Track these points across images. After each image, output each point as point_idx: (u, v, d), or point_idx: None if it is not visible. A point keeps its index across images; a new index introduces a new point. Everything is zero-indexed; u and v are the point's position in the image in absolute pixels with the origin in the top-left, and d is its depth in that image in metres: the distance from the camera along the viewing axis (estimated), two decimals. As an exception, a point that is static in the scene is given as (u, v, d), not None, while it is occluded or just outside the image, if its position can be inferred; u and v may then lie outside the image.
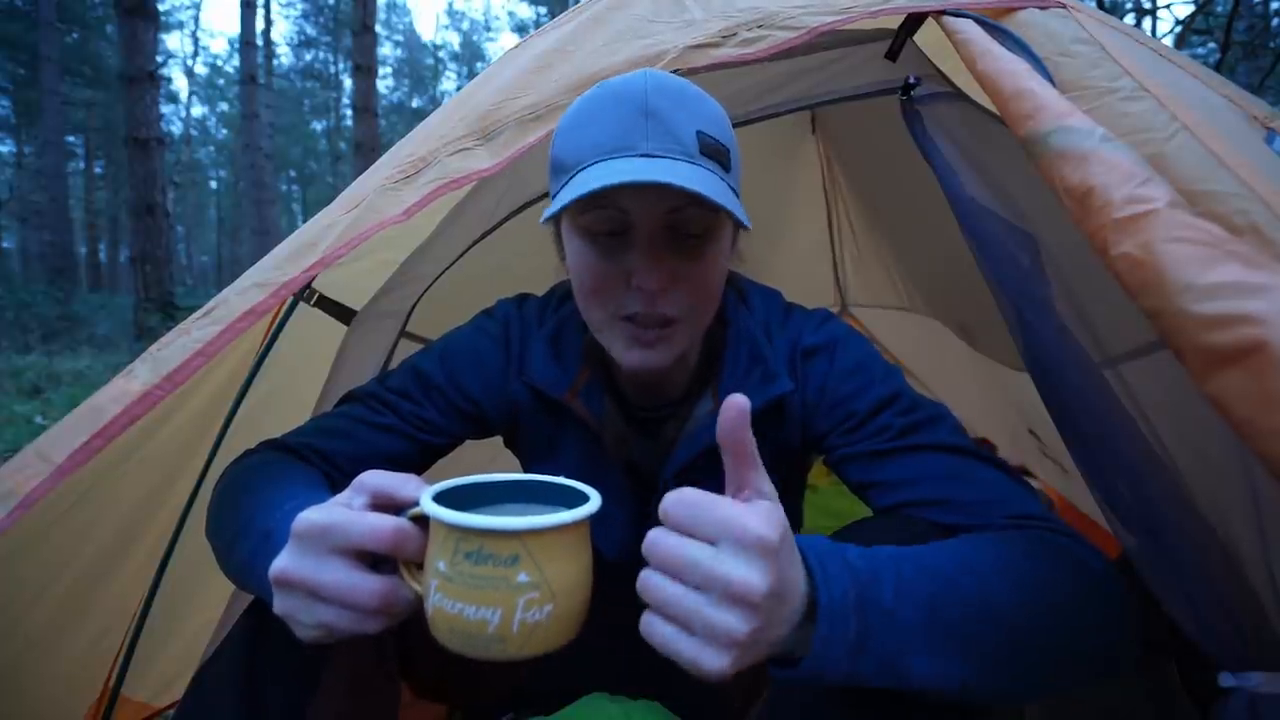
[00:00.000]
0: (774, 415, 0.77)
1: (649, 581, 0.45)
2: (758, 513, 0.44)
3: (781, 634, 0.45)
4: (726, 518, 0.43)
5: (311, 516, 0.50)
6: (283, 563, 0.50)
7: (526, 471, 0.89)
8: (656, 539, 0.45)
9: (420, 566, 0.50)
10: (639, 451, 0.82)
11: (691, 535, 0.44)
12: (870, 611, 0.47)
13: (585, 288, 0.69)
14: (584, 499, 0.50)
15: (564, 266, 0.74)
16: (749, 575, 0.42)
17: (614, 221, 0.66)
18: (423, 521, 0.50)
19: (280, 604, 0.51)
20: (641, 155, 0.61)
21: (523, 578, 0.45)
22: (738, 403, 0.46)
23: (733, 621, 0.42)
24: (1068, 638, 0.54)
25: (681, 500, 0.45)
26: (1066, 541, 0.58)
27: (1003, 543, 0.57)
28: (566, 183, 0.64)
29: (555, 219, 0.71)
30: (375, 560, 0.51)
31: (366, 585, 0.49)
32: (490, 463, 1.14)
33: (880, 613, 0.47)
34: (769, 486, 0.47)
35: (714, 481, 0.49)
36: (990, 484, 0.65)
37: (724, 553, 0.43)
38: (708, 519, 0.44)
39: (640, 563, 0.47)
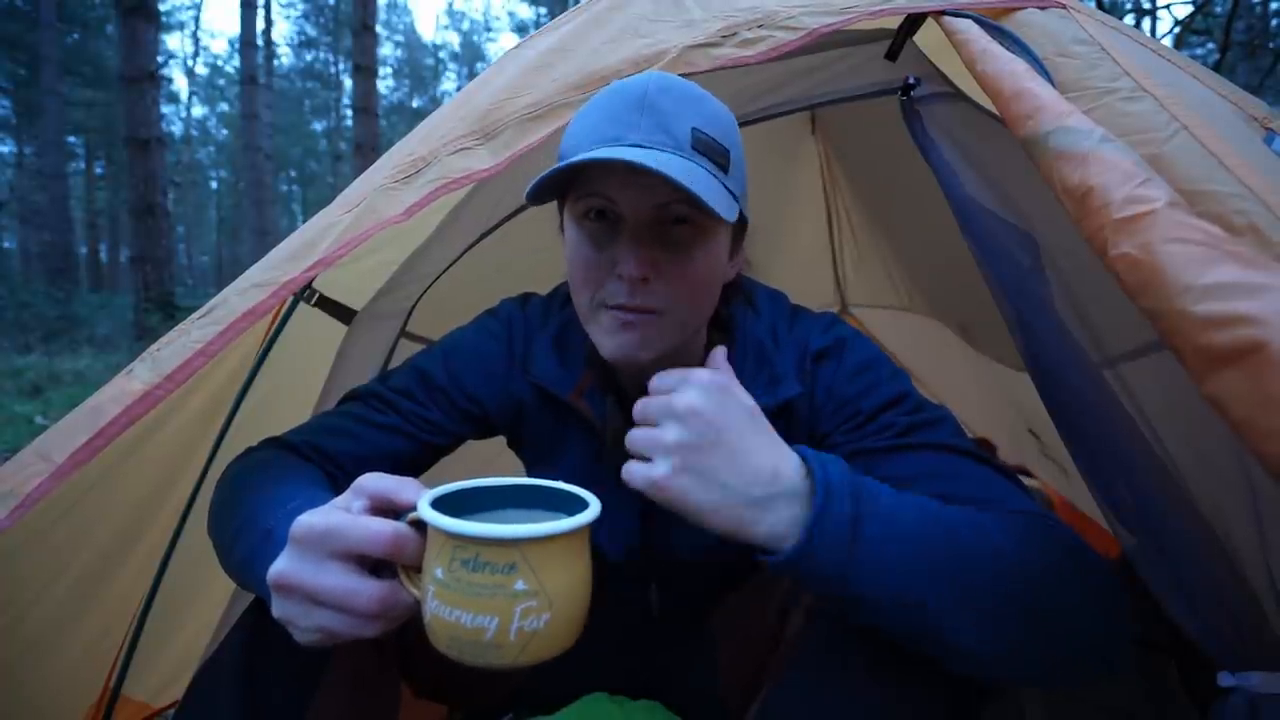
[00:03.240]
0: (781, 419, 0.77)
1: (631, 434, 0.57)
2: (709, 369, 0.58)
3: (750, 495, 0.52)
4: (686, 371, 0.57)
5: (310, 520, 0.50)
6: (281, 567, 0.50)
7: (529, 472, 0.89)
8: (641, 401, 0.58)
9: (419, 571, 0.49)
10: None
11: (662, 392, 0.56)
12: (866, 501, 0.51)
13: (575, 276, 0.70)
14: (584, 505, 0.50)
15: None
16: (684, 394, 0.55)
17: (601, 209, 0.67)
18: (421, 526, 0.49)
19: (279, 608, 0.51)
20: (630, 145, 0.61)
21: (520, 585, 0.45)
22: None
23: (666, 432, 0.54)
24: (1063, 621, 0.53)
25: (660, 374, 0.59)
26: (1066, 534, 0.58)
27: (1006, 519, 0.57)
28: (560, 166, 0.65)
29: (560, 215, 0.74)
30: (375, 564, 0.51)
31: (365, 590, 0.49)
32: (493, 461, 1.14)
33: (876, 507, 0.51)
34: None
35: None
36: (989, 483, 0.65)
37: (675, 383, 0.56)
38: (675, 374, 0.57)
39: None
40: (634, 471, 0.55)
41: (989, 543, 0.53)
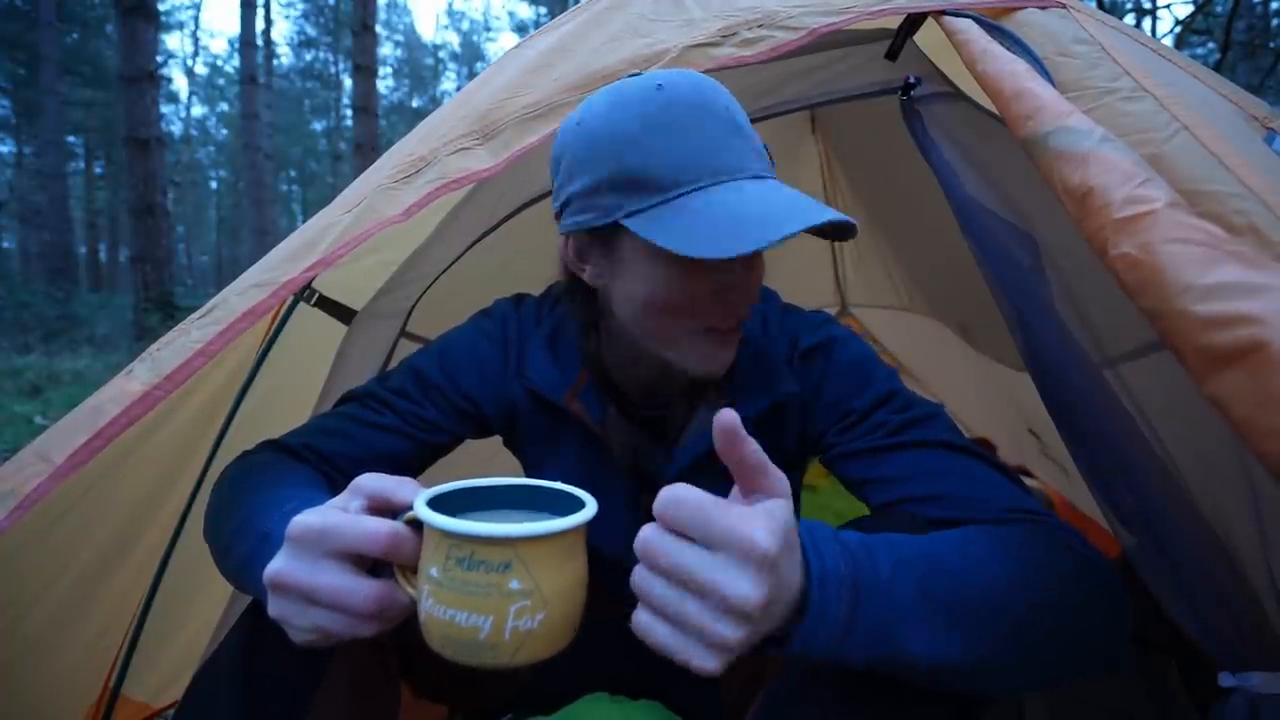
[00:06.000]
0: (774, 416, 0.77)
1: (643, 580, 0.44)
2: (761, 521, 0.41)
3: (774, 626, 0.45)
4: (729, 528, 0.41)
5: (307, 520, 0.49)
6: (278, 566, 0.50)
7: (526, 472, 0.89)
8: (651, 540, 0.44)
9: (416, 570, 0.49)
10: (640, 452, 0.82)
11: (687, 537, 0.43)
12: (864, 582, 0.46)
13: (666, 305, 0.66)
14: (580, 505, 0.50)
15: (564, 266, 0.74)
16: (747, 590, 0.40)
17: None
18: (418, 525, 0.49)
19: (275, 607, 0.51)
20: (753, 177, 0.61)
21: (514, 585, 0.45)
22: (725, 420, 0.44)
23: (727, 632, 0.41)
24: (1064, 627, 0.53)
25: (678, 501, 0.43)
26: (1063, 535, 0.58)
27: (999, 532, 0.57)
28: (673, 199, 0.60)
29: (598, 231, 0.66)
30: (372, 564, 0.51)
31: (361, 589, 0.48)
32: (492, 461, 1.14)
33: (874, 585, 0.47)
34: (782, 485, 0.46)
35: (716, 483, 0.48)
36: (986, 480, 0.65)
37: (722, 562, 0.41)
38: (707, 525, 0.42)
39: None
40: (674, 652, 0.43)
41: (992, 580, 0.51)
